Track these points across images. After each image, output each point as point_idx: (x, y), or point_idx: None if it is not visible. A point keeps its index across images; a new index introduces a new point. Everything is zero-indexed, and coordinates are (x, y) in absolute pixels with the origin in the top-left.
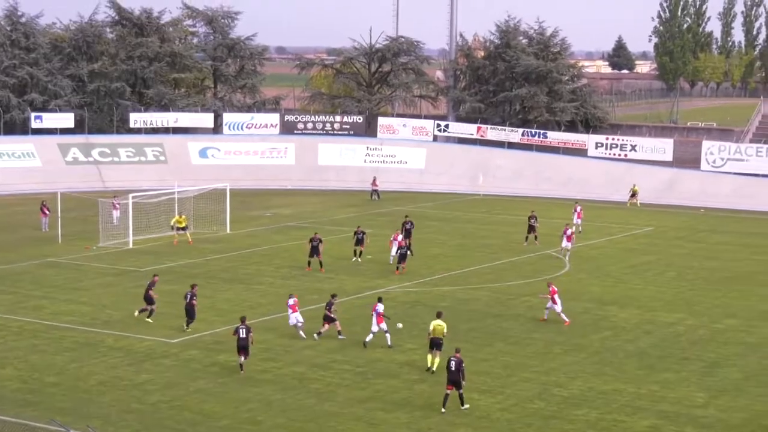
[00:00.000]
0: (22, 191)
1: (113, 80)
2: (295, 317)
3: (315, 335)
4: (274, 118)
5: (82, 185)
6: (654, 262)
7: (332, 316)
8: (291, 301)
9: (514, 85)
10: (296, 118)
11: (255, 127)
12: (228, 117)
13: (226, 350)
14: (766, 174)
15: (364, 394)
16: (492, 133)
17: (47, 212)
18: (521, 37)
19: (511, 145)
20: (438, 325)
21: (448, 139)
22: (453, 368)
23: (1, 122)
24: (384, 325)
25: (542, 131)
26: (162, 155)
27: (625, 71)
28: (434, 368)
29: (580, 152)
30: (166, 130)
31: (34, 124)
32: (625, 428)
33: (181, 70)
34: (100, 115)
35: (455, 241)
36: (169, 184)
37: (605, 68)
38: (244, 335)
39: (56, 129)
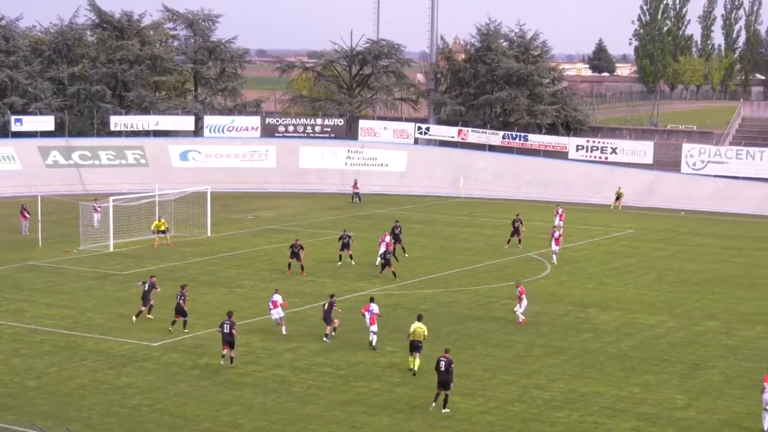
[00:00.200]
0: (2, 194)
1: (93, 83)
2: (277, 312)
3: (324, 338)
4: (255, 121)
5: (63, 188)
6: (635, 264)
7: (332, 316)
8: (275, 297)
9: (494, 87)
10: (277, 120)
11: (236, 130)
12: (209, 120)
13: (207, 353)
14: (745, 177)
15: (345, 397)
16: (473, 135)
17: (27, 215)
18: (502, 40)
19: (492, 148)
20: (418, 327)
21: (429, 142)
22: (443, 369)
23: None
24: (375, 327)
25: (523, 134)
26: (143, 158)
27: (605, 74)
28: (415, 369)
29: (561, 155)
30: (146, 133)
31: (14, 127)
32: (606, 430)
33: (162, 73)
34: (81, 118)
35: (436, 244)
36: (149, 187)
37: (586, 71)
38: (228, 330)
39: (36, 132)
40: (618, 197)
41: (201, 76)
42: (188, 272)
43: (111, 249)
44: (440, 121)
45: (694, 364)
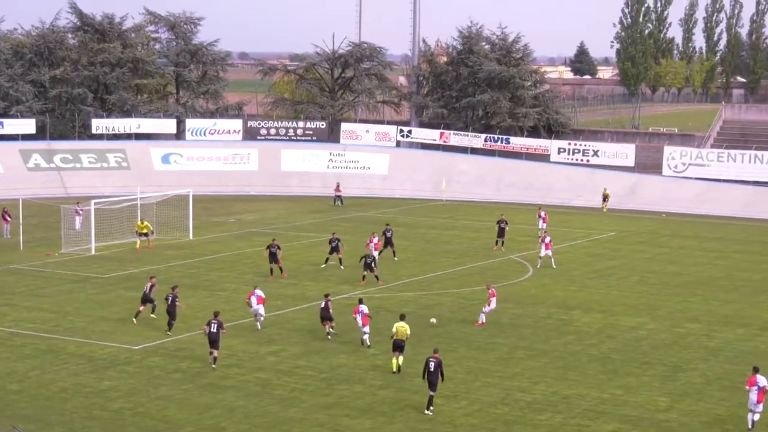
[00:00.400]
0: None
1: (75, 86)
2: (257, 309)
3: (328, 336)
4: (236, 123)
5: (44, 192)
6: (617, 266)
7: (330, 314)
8: (257, 292)
9: (476, 90)
10: (259, 123)
11: (218, 133)
12: (191, 123)
13: (189, 357)
14: (727, 179)
15: (328, 400)
16: (455, 138)
17: (9, 219)
18: (484, 43)
19: (474, 151)
20: (401, 326)
21: (411, 145)
22: (432, 369)
23: None
24: (367, 327)
25: (505, 137)
26: (124, 161)
27: (587, 77)
28: (396, 369)
29: (543, 158)
30: (128, 136)
31: None
32: None
33: (144, 76)
34: (62, 121)
35: (419, 247)
36: (131, 190)
37: (567, 74)
38: (215, 330)
39: (18, 135)
40: (605, 198)
41: (183, 79)
42: (170, 275)
43: (93, 252)
44: (422, 124)
45: (675, 366)
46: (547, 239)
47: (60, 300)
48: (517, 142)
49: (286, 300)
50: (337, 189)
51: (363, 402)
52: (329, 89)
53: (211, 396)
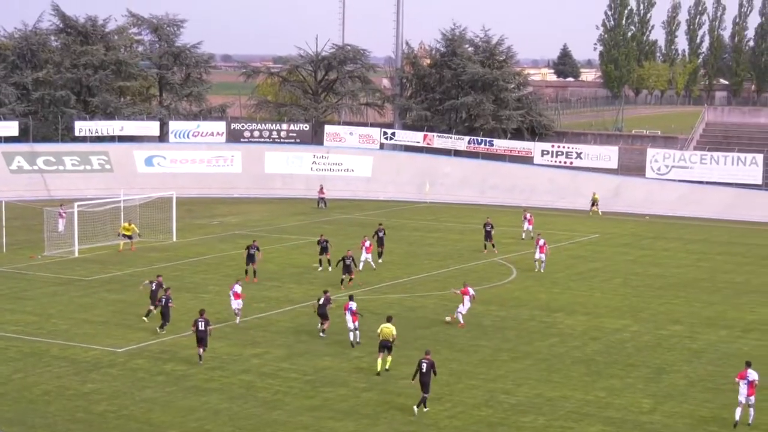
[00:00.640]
0: None
1: (58, 88)
2: (237, 303)
3: (321, 334)
4: (220, 126)
5: (27, 194)
6: (600, 269)
7: (328, 313)
8: (236, 288)
9: (460, 92)
10: (242, 126)
11: (201, 135)
12: (174, 125)
13: (173, 359)
14: (710, 181)
15: (312, 403)
16: (438, 140)
17: None
18: (467, 45)
19: (457, 153)
20: (386, 327)
21: (395, 147)
22: (424, 370)
23: None
24: (356, 323)
25: (488, 139)
26: (108, 163)
27: (570, 79)
28: (387, 367)
29: (526, 160)
30: (111, 139)
31: None
32: None
33: (127, 78)
34: (45, 124)
35: (402, 249)
36: (115, 193)
37: (551, 76)
38: (203, 327)
39: (0, 137)
40: (594, 203)
41: (166, 81)
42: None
43: (76, 255)
44: (406, 127)
45: (659, 368)
46: (541, 242)
47: (43, 302)
48: (501, 144)
49: (269, 302)
50: (321, 191)
51: (347, 404)
52: (312, 91)
53: (195, 399)
